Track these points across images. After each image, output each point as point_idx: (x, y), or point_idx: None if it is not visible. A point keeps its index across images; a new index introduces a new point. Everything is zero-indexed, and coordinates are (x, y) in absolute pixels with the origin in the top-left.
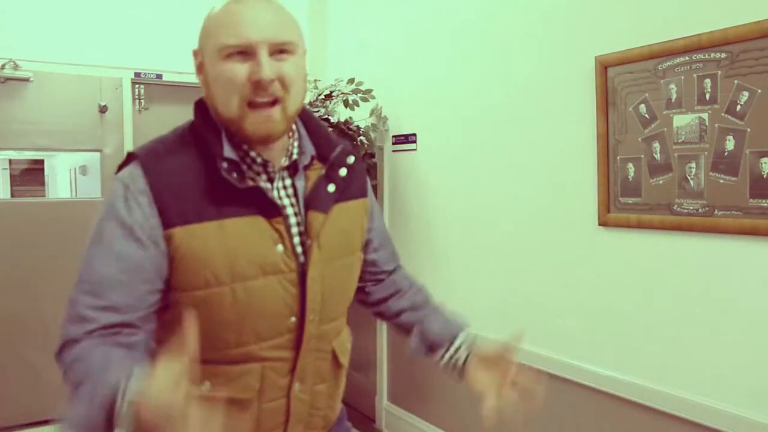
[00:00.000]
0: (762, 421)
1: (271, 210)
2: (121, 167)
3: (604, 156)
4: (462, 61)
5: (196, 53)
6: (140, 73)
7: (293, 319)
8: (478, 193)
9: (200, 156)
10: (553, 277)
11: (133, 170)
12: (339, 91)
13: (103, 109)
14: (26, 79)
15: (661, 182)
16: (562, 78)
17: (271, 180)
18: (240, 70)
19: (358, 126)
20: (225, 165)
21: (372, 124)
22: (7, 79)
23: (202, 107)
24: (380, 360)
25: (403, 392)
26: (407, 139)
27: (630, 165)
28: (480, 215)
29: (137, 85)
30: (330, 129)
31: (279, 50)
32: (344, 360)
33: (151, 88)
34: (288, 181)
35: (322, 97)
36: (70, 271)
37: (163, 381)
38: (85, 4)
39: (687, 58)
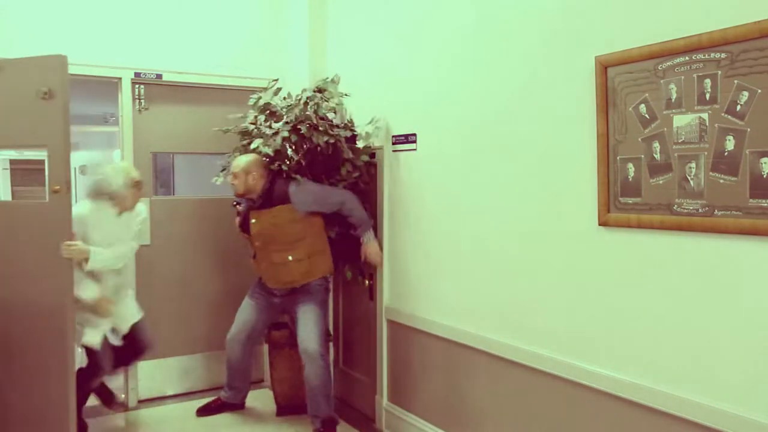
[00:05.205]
0: (762, 421)
1: None
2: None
3: (604, 156)
4: (462, 61)
5: None
6: (140, 73)
7: None
8: (478, 193)
9: None
10: (553, 277)
11: None
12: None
13: None
14: None
15: (661, 182)
16: (562, 78)
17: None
18: None
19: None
20: None
21: (373, 125)
22: None
23: None
24: (380, 360)
25: (403, 392)
26: (407, 139)
27: (630, 165)
28: (480, 215)
29: (137, 85)
30: (333, 128)
31: None
32: None
33: (151, 88)
34: None
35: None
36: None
37: None
38: (85, 4)
39: (687, 58)
